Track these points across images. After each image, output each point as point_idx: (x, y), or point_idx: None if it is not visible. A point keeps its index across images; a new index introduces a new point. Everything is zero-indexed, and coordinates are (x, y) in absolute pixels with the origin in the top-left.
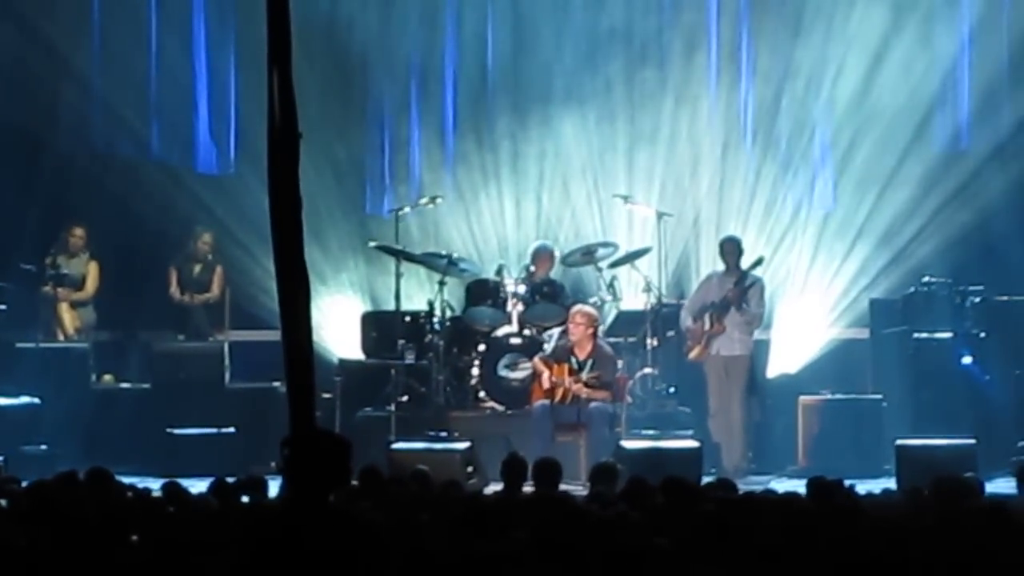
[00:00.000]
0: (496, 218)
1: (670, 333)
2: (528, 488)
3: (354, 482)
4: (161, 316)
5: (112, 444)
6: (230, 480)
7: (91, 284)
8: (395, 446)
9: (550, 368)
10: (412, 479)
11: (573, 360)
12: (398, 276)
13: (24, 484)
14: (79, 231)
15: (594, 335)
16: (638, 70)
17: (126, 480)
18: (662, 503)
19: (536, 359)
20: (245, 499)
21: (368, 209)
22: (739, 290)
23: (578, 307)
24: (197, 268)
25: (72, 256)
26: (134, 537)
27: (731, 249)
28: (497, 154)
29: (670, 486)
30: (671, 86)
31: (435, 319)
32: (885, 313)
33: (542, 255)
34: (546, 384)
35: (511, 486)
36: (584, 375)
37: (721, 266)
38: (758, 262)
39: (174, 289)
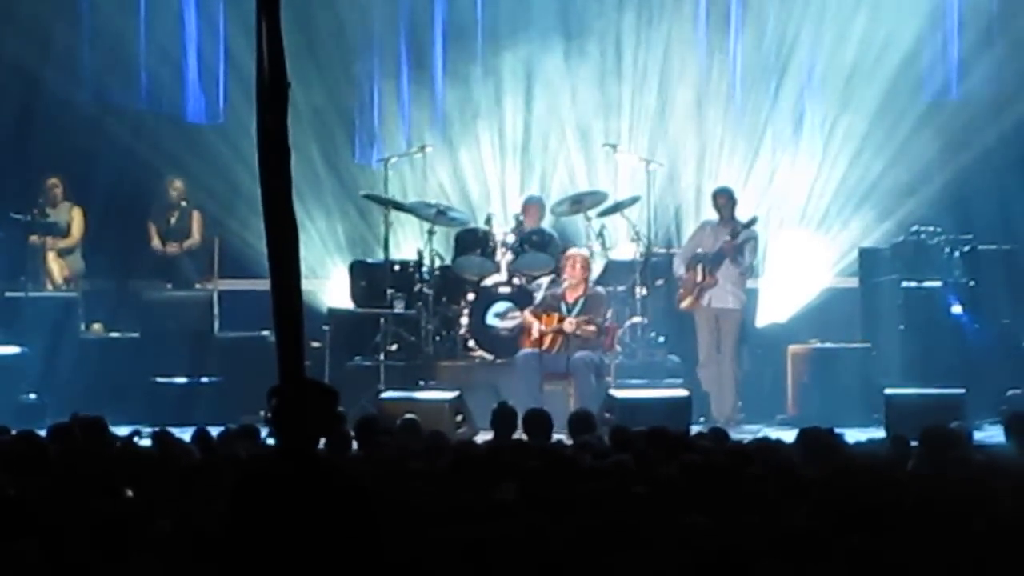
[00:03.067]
0: (486, 167)
1: (659, 282)
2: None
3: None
4: (150, 265)
5: (101, 393)
6: (220, 428)
7: (76, 230)
8: (384, 395)
9: (540, 319)
10: (402, 429)
11: (563, 307)
12: (387, 225)
13: (14, 433)
14: (54, 180)
15: (588, 278)
16: (628, 18)
17: (115, 429)
18: (648, 452)
19: (526, 312)
20: (238, 447)
21: (357, 158)
22: (734, 242)
23: (575, 249)
24: (173, 217)
25: (55, 205)
26: (128, 492)
27: (724, 201)
28: (487, 103)
29: (655, 436)
30: (660, 34)
31: (424, 268)
32: (874, 262)
33: (531, 206)
34: (535, 335)
35: (501, 436)
36: (574, 316)
37: (715, 215)
38: (753, 221)
39: (156, 242)
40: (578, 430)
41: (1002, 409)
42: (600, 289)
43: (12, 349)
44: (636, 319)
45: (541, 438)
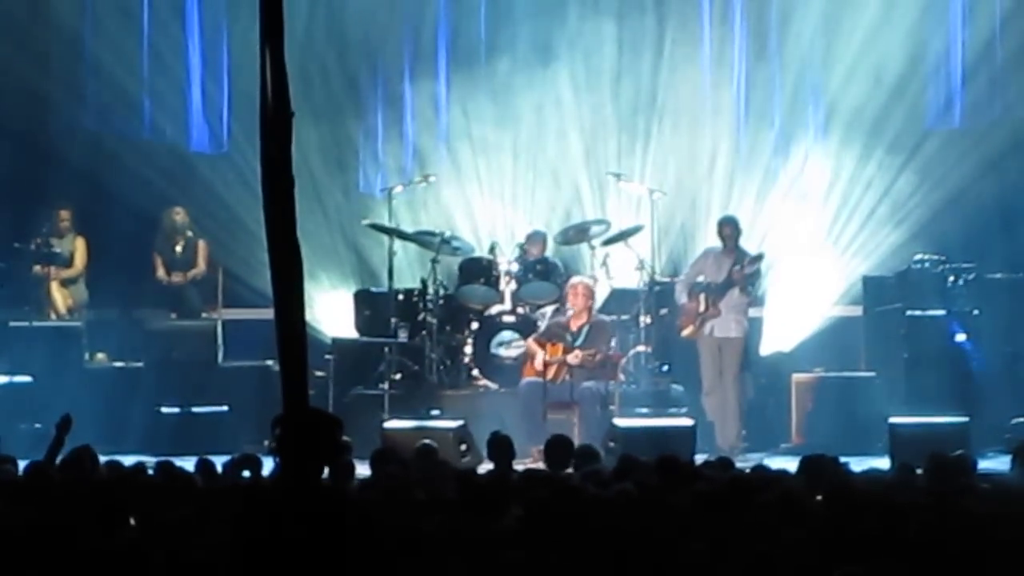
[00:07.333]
0: (490, 196)
1: (663, 311)
2: (526, 466)
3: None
4: (154, 295)
5: (105, 423)
6: (225, 458)
7: (79, 260)
8: (388, 425)
9: (544, 348)
10: (418, 455)
11: (568, 337)
12: (391, 254)
13: (19, 463)
14: (64, 213)
15: (591, 307)
16: (633, 48)
17: (119, 459)
18: (656, 482)
19: (530, 340)
20: (242, 476)
21: (361, 188)
22: (744, 271)
23: (578, 278)
24: (178, 246)
25: (63, 236)
26: (132, 520)
27: (730, 231)
28: (490, 132)
29: (664, 465)
30: (665, 62)
31: (428, 297)
32: (878, 290)
33: (534, 240)
34: (539, 365)
35: (500, 464)
36: (578, 347)
37: (717, 243)
38: (759, 257)
39: (161, 273)
40: (582, 464)
41: (1007, 438)
42: (604, 317)
43: (16, 379)
44: (640, 347)
45: (560, 466)
